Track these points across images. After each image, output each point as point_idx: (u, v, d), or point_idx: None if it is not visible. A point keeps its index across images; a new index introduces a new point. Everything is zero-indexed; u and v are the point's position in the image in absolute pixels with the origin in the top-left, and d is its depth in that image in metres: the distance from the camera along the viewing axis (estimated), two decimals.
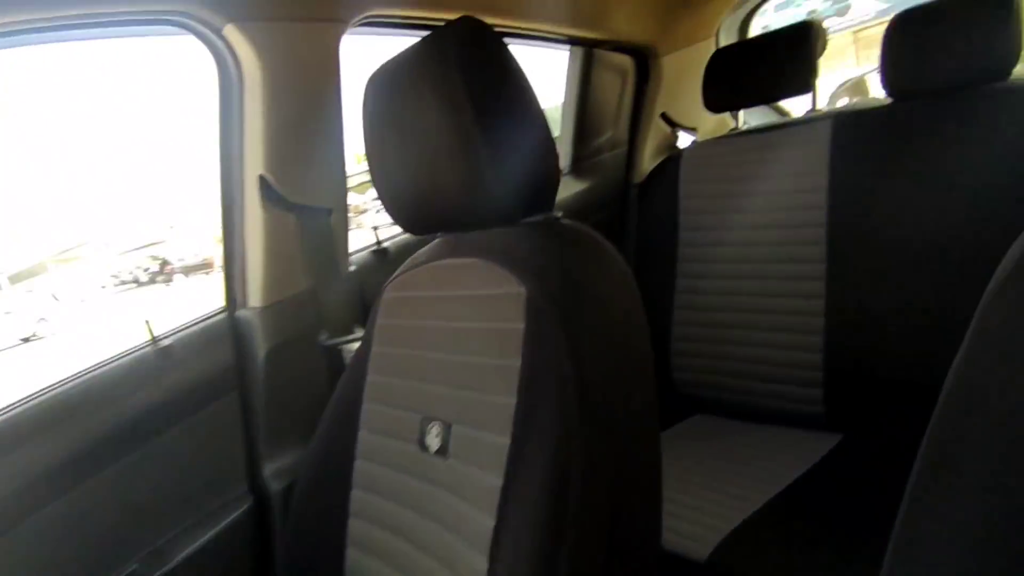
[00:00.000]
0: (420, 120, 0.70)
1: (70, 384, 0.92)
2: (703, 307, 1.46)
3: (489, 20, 0.71)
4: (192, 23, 0.92)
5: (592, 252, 0.71)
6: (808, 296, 1.29)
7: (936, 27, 1.14)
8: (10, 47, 0.84)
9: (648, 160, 1.74)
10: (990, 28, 1.08)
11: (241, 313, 1.08)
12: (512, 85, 0.70)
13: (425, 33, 1.14)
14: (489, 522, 0.63)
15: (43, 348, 9.81)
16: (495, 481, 0.64)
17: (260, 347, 1.06)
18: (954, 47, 1.12)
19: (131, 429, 0.95)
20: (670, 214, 1.51)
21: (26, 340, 10.31)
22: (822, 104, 1.46)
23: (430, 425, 0.74)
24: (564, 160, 1.64)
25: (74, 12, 0.81)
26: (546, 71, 1.62)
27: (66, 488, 0.88)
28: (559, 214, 0.77)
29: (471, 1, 1.12)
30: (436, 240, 0.87)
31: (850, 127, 1.27)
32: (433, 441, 0.73)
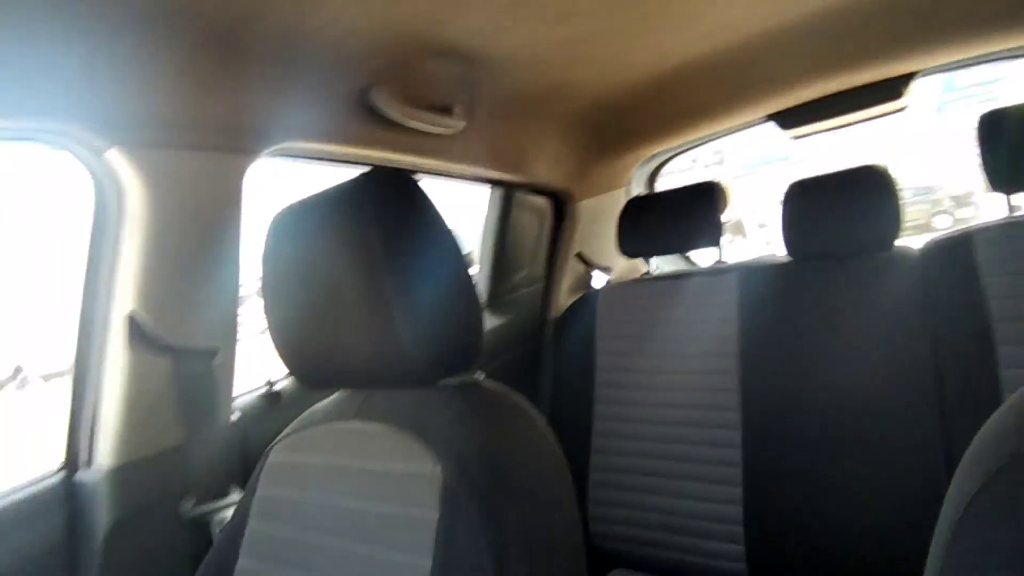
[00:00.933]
0: (329, 270, 0.63)
1: None
2: (620, 452, 1.40)
3: (410, 159, 0.67)
4: (72, 144, 0.81)
5: (517, 424, 0.64)
6: (726, 445, 1.27)
7: (825, 200, 1.25)
8: None
9: (564, 297, 1.74)
10: (873, 204, 1.20)
11: (82, 476, 0.88)
12: (434, 240, 0.64)
13: (344, 166, 1.11)
14: None
15: None
16: None
17: (103, 518, 0.85)
18: (841, 219, 1.23)
19: None
20: (586, 353, 1.49)
21: None
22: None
23: None
24: (481, 296, 1.61)
25: None
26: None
27: None
28: (479, 376, 0.70)
29: (392, 142, 1.10)
30: (338, 394, 0.76)
31: (754, 280, 1.33)
32: None
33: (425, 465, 0.59)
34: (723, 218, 1.42)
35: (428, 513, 0.57)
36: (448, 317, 0.64)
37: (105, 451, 0.88)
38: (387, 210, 0.62)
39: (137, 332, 0.86)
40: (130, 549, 0.87)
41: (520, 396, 0.70)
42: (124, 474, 0.87)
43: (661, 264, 1.97)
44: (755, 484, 1.22)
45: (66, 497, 0.87)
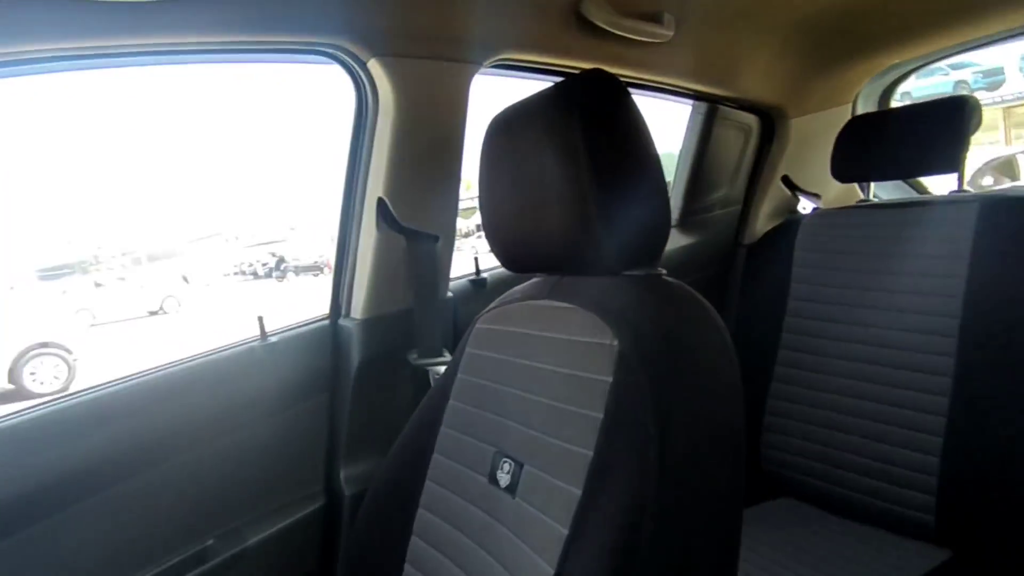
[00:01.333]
0: (535, 163, 0.71)
1: (180, 366, 1.01)
2: (806, 384, 1.36)
3: (616, 71, 0.71)
4: (342, 55, 1.00)
5: (694, 314, 0.68)
6: (931, 392, 1.17)
7: None
8: (183, 63, 0.95)
9: (762, 222, 1.67)
10: None
11: (343, 322, 1.14)
12: (633, 139, 0.69)
13: (554, 78, 1.19)
14: (548, 570, 0.61)
15: (166, 322, 10.87)
16: (560, 530, 0.62)
17: (355, 356, 1.11)
18: None
19: (228, 414, 1.02)
20: (780, 281, 1.44)
21: (153, 313, 11.52)
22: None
23: (502, 461, 0.74)
24: (673, 213, 1.62)
25: (238, 38, 0.91)
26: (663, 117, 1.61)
27: (160, 460, 0.96)
28: (663, 271, 0.75)
29: (601, 52, 1.14)
30: (534, 279, 0.87)
31: (1000, 214, 1.16)
32: (503, 477, 0.73)
33: (604, 338, 0.67)
34: (993, 155, 1.22)
35: (603, 376, 0.65)
36: (637, 213, 0.69)
37: (357, 306, 1.13)
38: (592, 109, 0.68)
39: (383, 213, 1.07)
40: (372, 381, 1.13)
41: (700, 295, 0.74)
42: (370, 325, 1.12)
43: (882, 193, 1.77)
44: (961, 437, 1.12)
45: (331, 336, 1.14)
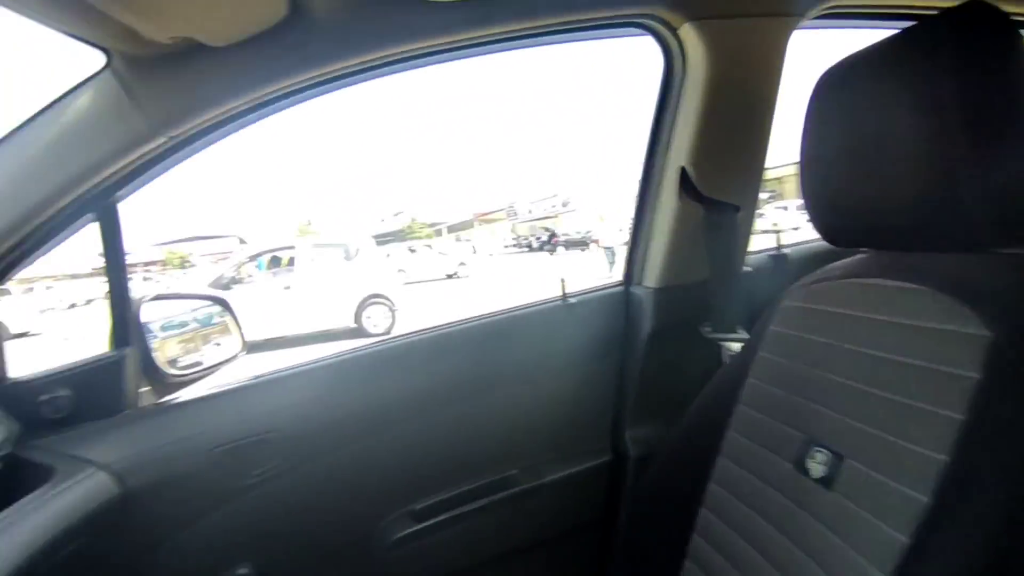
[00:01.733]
0: (880, 119, 0.63)
1: (500, 316, 1.16)
2: None
3: (1004, 7, 0.58)
4: (654, 24, 1.00)
5: None
6: None
7: None
8: (512, 49, 1.03)
9: None
10: None
11: (635, 290, 1.17)
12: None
13: (899, 24, 1.02)
14: None
15: (458, 285, 12.76)
16: (898, 537, 0.55)
17: (646, 323, 1.13)
18: None
19: (534, 364, 1.14)
20: None
21: (449, 276, 13.71)
22: None
23: (814, 449, 0.68)
24: None
25: (560, 19, 0.96)
26: None
27: (483, 392, 1.12)
28: None
29: None
30: (858, 255, 0.78)
31: None
32: (816, 467, 0.67)
33: (968, 327, 0.56)
34: None
35: (967, 372, 0.55)
36: None
37: (651, 274, 1.15)
38: (968, 49, 0.57)
39: (684, 182, 1.06)
40: (662, 350, 1.14)
41: None
42: (662, 294, 1.13)
43: None
44: None
45: (625, 302, 1.18)
